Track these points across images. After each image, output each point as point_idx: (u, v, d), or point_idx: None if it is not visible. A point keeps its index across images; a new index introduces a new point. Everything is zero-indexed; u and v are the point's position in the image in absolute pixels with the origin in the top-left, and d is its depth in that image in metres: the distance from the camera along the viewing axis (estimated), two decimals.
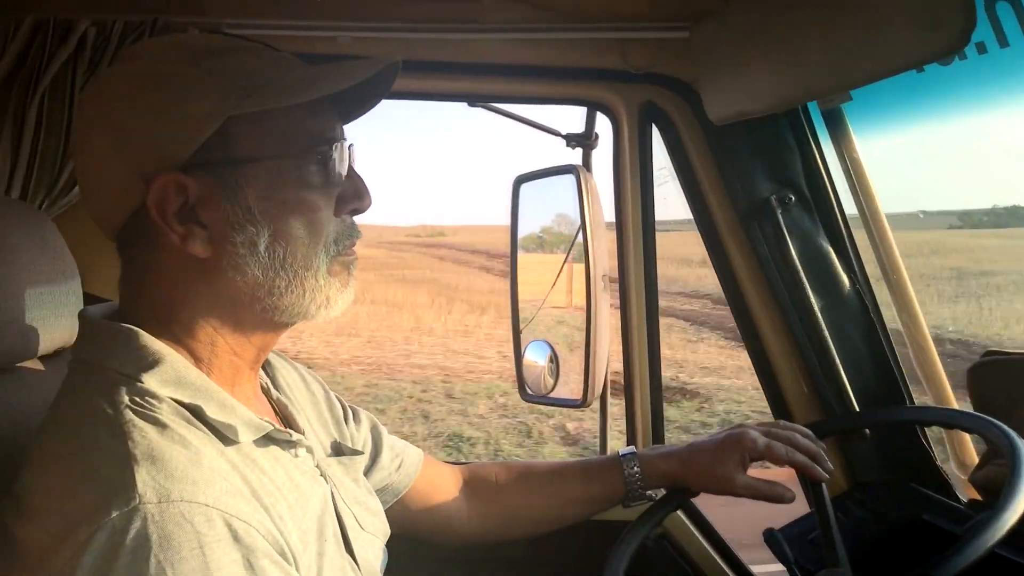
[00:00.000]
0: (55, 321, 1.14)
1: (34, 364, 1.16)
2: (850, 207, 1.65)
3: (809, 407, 1.66)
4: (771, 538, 1.35)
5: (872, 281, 1.66)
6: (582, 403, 1.77)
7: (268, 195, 0.92)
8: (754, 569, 1.78)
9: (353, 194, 1.00)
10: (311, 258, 0.95)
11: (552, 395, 1.88)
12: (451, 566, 1.70)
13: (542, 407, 7.41)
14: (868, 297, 1.64)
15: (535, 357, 1.92)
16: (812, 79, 1.32)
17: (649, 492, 1.41)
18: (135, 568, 0.74)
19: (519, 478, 1.46)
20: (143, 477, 0.78)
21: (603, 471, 1.43)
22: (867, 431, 1.61)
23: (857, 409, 1.62)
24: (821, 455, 1.33)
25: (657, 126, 1.69)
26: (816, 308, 1.60)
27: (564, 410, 6.85)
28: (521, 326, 1.95)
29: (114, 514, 0.75)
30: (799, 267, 1.59)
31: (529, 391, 1.91)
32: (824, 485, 1.30)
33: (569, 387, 1.85)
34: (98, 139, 0.92)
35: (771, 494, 1.34)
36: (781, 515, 1.43)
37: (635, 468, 1.40)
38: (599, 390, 1.80)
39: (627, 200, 1.72)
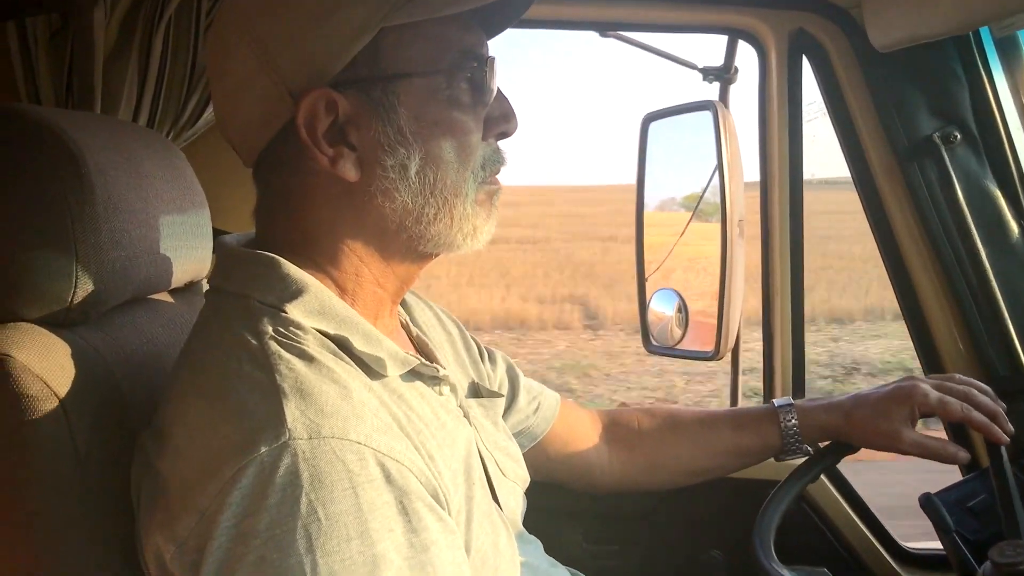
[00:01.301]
0: (187, 253, 1.10)
1: (164, 297, 1.13)
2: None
3: (966, 365, 1.52)
4: (928, 504, 1.24)
5: None
6: (714, 355, 1.67)
7: (420, 115, 0.86)
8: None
9: (500, 115, 0.93)
10: (460, 184, 0.88)
11: (680, 347, 1.79)
12: (583, 518, 1.64)
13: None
14: None
15: (662, 307, 1.82)
16: None
17: (806, 446, 1.32)
18: (285, 507, 0.69)
19: (664, 425, 1.38)
20: (292, 412, 0.72)
21: (757, 422, 1.34)
22: None
23: None
24: (1002, 414, 1.22)
25: (808, 57, 1.55)
26: (984, 258, 1.45)
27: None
28: (647, 274, 1.86)
29: (263, 449, 0.70)
30: (967, 212, 1.44)
31: (654, 342, 1.82)
32: (1005, 449, 1.18)
33: (699, 339, 1.75)
34: (241, 55, 0.85)
35: (943, 453, 1.24)
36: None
37: (792, 420, 1.31)
38: (732, 342, 1.69)
39: (773, 138, 1.60)
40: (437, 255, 0.94)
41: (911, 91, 1.47)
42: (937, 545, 1.54)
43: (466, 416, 1.00)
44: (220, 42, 0.88)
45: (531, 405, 1.30)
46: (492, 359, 1.28)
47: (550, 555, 1.17)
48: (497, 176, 0.94)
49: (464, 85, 0.88)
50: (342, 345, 0.84)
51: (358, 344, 0.84)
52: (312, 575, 0.68)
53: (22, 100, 1.34)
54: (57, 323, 0.88)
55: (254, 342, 0.79)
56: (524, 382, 1.31)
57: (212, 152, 1.47)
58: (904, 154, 1.48)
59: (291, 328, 0.81)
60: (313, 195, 0.88)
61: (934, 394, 1.23)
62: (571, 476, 1.38)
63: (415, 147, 0.85)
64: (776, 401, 1.35)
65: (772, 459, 1.37)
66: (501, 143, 0.95)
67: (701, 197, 1.78)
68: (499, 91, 0.93)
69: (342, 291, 0.89)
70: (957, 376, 1.29)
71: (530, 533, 1.15)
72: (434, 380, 0.94)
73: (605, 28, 1.64)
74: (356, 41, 0.82)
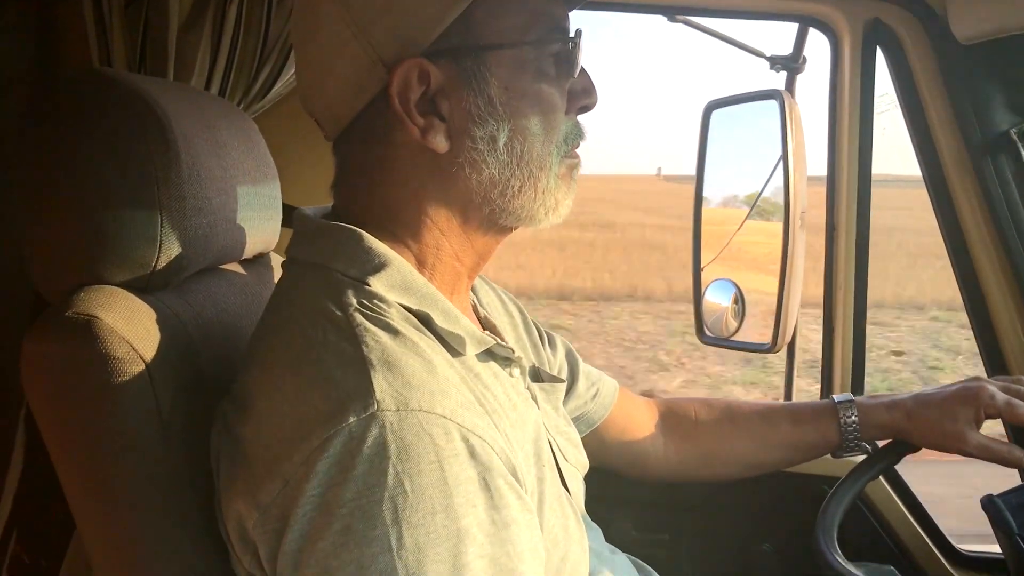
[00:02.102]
0: (260, 224, 1.11)
1: (235, 267, 1.13)
2: None
3: None
4: (991, 505, 1.22)
5: None
6: (771, 348, 1.65)
7: (510, 86, 0.85)
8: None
9: (582, 89, 0.92)
10: (545, 157, 0.88)
11: (735, 338, 1.77)
12: (633, 506, 1.64)
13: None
14: None
15: (718, 297, 1.80)
16: None
17: (865, 444, 1.30)
18: (372, 478, 0.69)
19: (721, 417, 1.37)
20: (380, 383, 0.72)
21: (816, 416, 1.32)
22: None
23: None
24: None
25: (882, 48, 1.52)
26: None
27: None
28: (703, 264, 1.83)
29: (351, 420, 0.70)
30: None
31: (709, 333, 1.80)
32: None
33: (755, 331, 1.73)
34: (333, 24, 0.84)
35: (1009, 457, 1.21)
36: None
37: (852, 416, 1.28)
38: (790, 335, 1.67)
39: (843, 130, 1.57)
40: (515, 228, 0.93)
41: (988, 86, 1.44)
42: (992, 548, 1.52)
43: (533, 399, 0.99)
44: (310, 10, 0.87)
45: (590, 391, 1.30)
46: (552, 343, 1.27)
47: None
48: (577, 150, 0.94)
49: (550, 58, 0.88)
50: (424, 320, 0.83)
51: (438, 320, 0.83)
52: (398, 546, 0.68)
53: (95, 65, 1.35)
54: (139, 288, 0.89)
55: (339, 313, 0.79)
56: (583, 367, 1.30)
57: (279, 124, 1.48)
58: (978, 149, 1.45)
59: (375, 301, 0.81)
60: (399, 167, 0.87)
61: (1001, 396, 1.21)
62: (627, 463, 1.38)
63: (504, 118, 0.85)
64: (836, 397, 1.33)
65: (828, 455, 1.35)
66: (580, 117, 0.94)
67: (763, 189, 1.75)
68: (581, 65, 0.92)
69: (421, 265, 0.89)
70: None
71: None
72: (507, 361, 0.94)
73: (675, 12, 1.62)
74: (450, 10, 0.81)
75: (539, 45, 0.86)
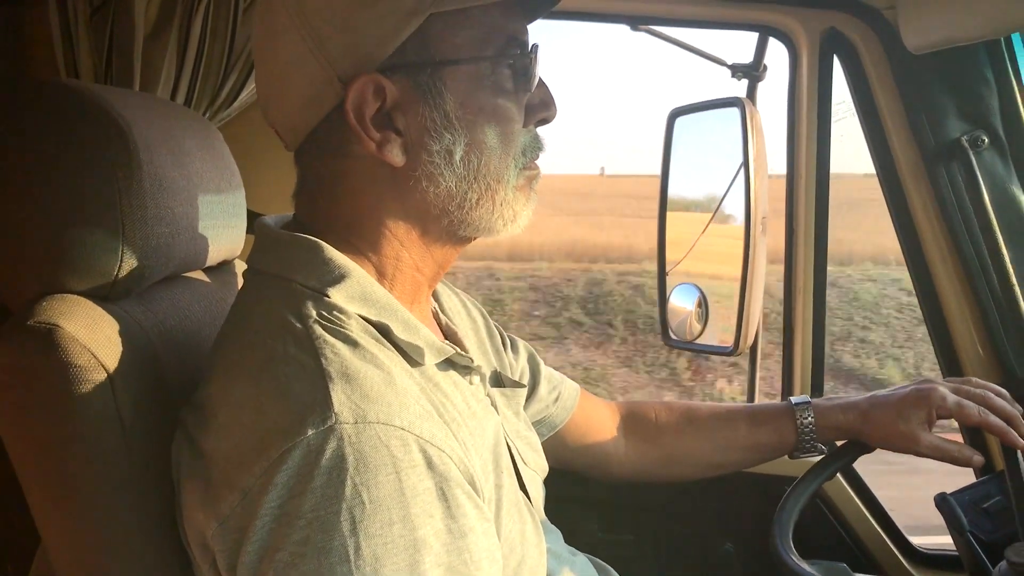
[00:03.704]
0: (224, 232, 1.12)
1: (198, 275, 1.14)
2: None
3: (985, 368, 1.53)
4: (944, 503, 1.26)
5: None
6: (733, 351, 1.68)
7: (465, 101, 0.86)
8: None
9: (541, 103, 0.94)
10: (503, 170, 0.90)
11: (699, 341, 1.80)
12: (598, 508, 1.66)
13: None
14: None
15: (682, 301, 1.83)
16: None
17: (820, 444, 1.33)
18: (330, 490, 0.70)
19: (681, 419, 1.40)
20: (339, 396, 0.73)
21: (773, 418, 1.35)
22: None
23: None
24: (1018, 418, 1.22)
25: (839, 57, 1.56)
26: (1008, 262, 1.46)
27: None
28: (667, 269, 1.86)
29: (310, 432, 0.71)
30: (992, 216, 1.45)
31: (673, 336, 1.83)
32: (1021, 453, 1.19)
33: (718, 333, 1.76)
34: (290, 38, 0.85)
35: (959, 456, 1.25)
36: None
37: (809, 418, 1.31)
38: (752, 337, 1.70)
39: (802, 137, 1.61)
40: (474, 239, 0.95)
41: (940, 94, 1.47)
42: (948, 543, 1.56)
43: (493, 405, 1.01)
44: (268, 24, 0.88)
45: (551, 395, 1.32)
46: (515, 348, 1.29)
47: (566, 543, 1.19)
48: (536, 162, 0.95)
49: (507, 72, 0.89)
50: (383, 331, 0.85)
51: (398, 331, 0.85)
52: (355, 557, 0.69)
53: (61, 76, 1.36)
54: (101, 296, 0.89)
55: (298, 325, 0.80)
56: (545, 371, 1.32)
57: (244, 133, 1.49)
58: (931, 156, 1.49)
59: (335, 312, 0.82)
60: (357, 179, 0.89)
61: (952, 397, 1.24)
62: (588, 466, 1.40)
63: (460, 133, 0.86)
64: (793, 399, 1.36)
65: (786, 456, 1.38)
66: (540, 130, 0.96)
67: (725, 194, 1.78)
68: (539, 78, 0.93)
69: (381, 276, 0.90)
70: (974, 380, 1.30)
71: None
72: (466, 369, 0.95)
73: (637, 22, 1.65)
74: (405, 26, 0.83)
75: (496, 60, 0.88)
